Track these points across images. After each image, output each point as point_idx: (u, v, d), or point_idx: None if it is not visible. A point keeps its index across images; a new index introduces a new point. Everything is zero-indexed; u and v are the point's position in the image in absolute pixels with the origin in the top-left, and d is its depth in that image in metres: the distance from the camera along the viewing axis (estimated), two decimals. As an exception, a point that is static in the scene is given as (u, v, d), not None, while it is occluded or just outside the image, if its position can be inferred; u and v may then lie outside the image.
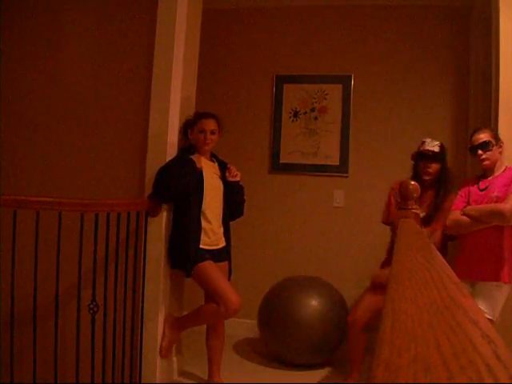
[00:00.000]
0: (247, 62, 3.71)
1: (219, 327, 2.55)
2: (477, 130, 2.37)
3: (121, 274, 2.33)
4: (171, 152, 2.49)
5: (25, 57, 2.75)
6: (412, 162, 2.68)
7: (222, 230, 2.55)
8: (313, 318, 2.84)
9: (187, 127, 2.57)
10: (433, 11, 3.46)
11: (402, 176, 2.64)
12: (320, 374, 2.88)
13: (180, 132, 2.58)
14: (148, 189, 2.46)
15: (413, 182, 1.69)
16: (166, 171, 2.38)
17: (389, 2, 3.52)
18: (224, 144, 2.71)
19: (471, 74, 3.34)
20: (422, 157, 2.57)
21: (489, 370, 0.29)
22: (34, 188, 2.61)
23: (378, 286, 2.52)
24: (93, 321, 2.13)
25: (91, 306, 2.13)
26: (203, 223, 2.44)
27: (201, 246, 2.43)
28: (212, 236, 2.48)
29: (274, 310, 2.92)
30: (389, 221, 2.76)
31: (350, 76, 3.55)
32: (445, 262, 0.76)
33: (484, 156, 2.29)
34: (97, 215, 2.15)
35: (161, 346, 2.48)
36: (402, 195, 1.67)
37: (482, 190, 2.31)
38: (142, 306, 2.44)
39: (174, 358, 2.67)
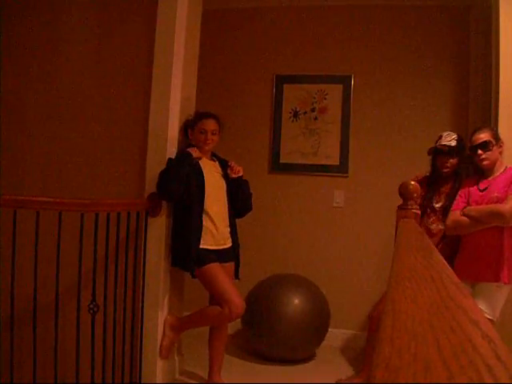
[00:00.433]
0: (247, 62, 3.71)
1: (223, 329, 2.56)
2: (477, 130, 2.36)
3: (121, 274, 2.33)
4: (171, 152, 2.49)
5: (25, 57, 2.75)
6: (429, 157, 2.64)
7: (228, 229, 2.54)
8: (295, 315, 2.92)
9: (188, 127, 2.57)
10: (433, 11, 3.46)
11: (421, 170, 2.66)
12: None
13: (180, 132, 2.58)
14: (148, 189, 2.46)
15: (413, 182, 1.68)
16: (166, 174, 2.38)
17: (389, 2, 3.52)
18: (224, 144, 2.71)
19: (471, 74, 3.34)
20: (438, 152, 2.53)
21: (489, 370, 0.29)
22: (34, 188, 2.61)
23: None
24: (93, 321, 2.13)
25: (91, 305, 2.13)
26: (207, 223, 2.44)
27: (206, 247, 2.42)
28: (217, 236, 2.47)
29: (258, 308, 2.96)
30: None
31: (350, 76, 3.55)
32: (445, 261, 0.76)
33: (484, 156, 2.29)
34: (97, 215, 2.15)
35: (161, 345, 2.48)
36: (402, 195, 1.67)
37: (482, 191, 2.31)
38: (142, 306, 2.44)
39: (175, 358, 2.67)
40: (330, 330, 3.27)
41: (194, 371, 2.79)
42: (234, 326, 3.27)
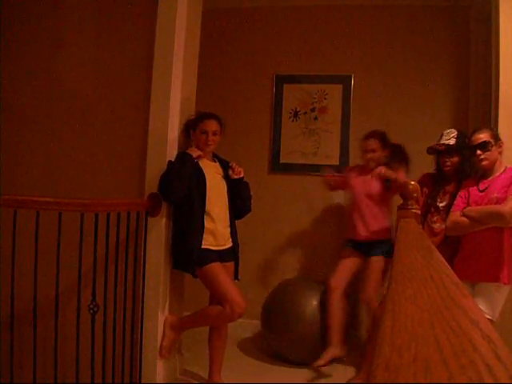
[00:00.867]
0: (247, 62, 3.71)
1: (223, 328, 2.55)
2: (476, 130, 2.36)
3: (121, 274, 2.33)
4: (171, 152, 2.49)
5: (25, 57, 2.75)
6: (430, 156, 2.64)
7: (228, 230, 2.54)
8: (314, 317, 2.91)
9: (189, 127, 2.57)
10: (433, 11, 3.46)
11: (422, 171, 2.66)
12: (324, 370, 2.89)
13: (182, 132, 2.58)
14: (148, 189, 2.46)
15: (413, 182, 1.69)
16: (168, 175, 2.38)
17: (389, 2, 3.52)
18: (224, 144, 2.71)
19: (471, 74, 3.34)
20: (438, 151, 2.52)
21: (489, 370, 0.29)
22: (34, 188, 2.61)
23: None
24: (93, 321, 2.13)
25: (91, 306, 2.13)
26: (209, 224, 2.44)
27: (207, 247, 2.42)
28: (218, 236, 2.47)
29: (277, 311, 2.98)
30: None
31: (350, 76, 3.55)
32: (445, 261, 0.76)
33: (483, 156, 2.29)
34: (97, 215, 2.15)
35: (161, 345, 2.48)
36: (402, 195, 1.67)
37: (481, 191, 2.31)
38: (142, 306, 2.44)
39: (175, 358, 2.67)
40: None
41: (193, 371, 2.79)
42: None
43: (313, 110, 3.60)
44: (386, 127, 3.15)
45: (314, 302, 2.95)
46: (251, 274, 3.50)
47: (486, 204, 2.25)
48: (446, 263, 0.75)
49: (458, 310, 0.44)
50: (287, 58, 3.65)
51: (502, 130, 2.43)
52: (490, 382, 0.27)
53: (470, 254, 2.30)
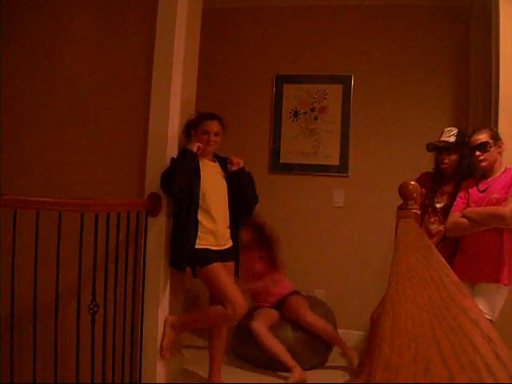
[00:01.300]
0: (247, 61, 3.71)
1: (223, 329, 2.55)
2: (476, 131, 2.35)
3: (121, 274, 2.33)
4: (171, 152, 2.49)
5: (25, 57, 2.75)
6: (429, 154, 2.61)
7: (228, 230, 2.54)
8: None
9: (190, 128, 2.56)
10: (433, 11, 3.46)
11: (421, 170, 2.65)
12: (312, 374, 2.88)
13: (183, 132, 2.58)
14: (148, 189, 2.46)
15: (413, 182, 1.68)
16: (172, 169, 2.38)
17: (389, 2, 3.52)
18: (224, 144, 2.71)
19: (471, 74, 3.34)
20: (437, 148, 2.50)
21: (489, 370, 0.29)
22: (34, 188, 2.61)
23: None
24: (93, 321, 2.13)
25: (91, 306, 2.13)
26: (209, 224, 2.44)
27: (207, 247, 2.42)
28: (219, 236, 2.46)
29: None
30: None
31: (350, 76, 3.55)
32: (445, 261, 0.76)
33: (482, 157, 2.28)
34: (97, 215, 2.15)
35: (161, 345, 2.48)
36: (402, 195, 1.66)
37: (481, 192, 2.30)
38: (142, 306, 2.44)
39: (175, 358, 2.67)
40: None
41: (194, 371, 2.79)
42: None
43: (313, 109, 3.60)
44: (385, 127, 3.16)
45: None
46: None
47: (486, 205, 2.24)
48: (446, 263, 0.75)
49: (457, 310, 0.44)
50: (287, 58, 3.65)
51: (502, 130, 2.42)
52: (490, 381, 0.27)
53: (470, 254, 2.29)
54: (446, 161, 2.47)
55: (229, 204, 2.55)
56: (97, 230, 2.14)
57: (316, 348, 2.95)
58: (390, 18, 3.53)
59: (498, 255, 2.21)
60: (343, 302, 3.48)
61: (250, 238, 2.95)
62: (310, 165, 3.58)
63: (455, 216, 2.31)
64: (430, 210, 2.50)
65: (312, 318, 2.90)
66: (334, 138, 3.56)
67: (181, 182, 2.36)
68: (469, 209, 2.28)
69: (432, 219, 2.49)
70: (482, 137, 2.29)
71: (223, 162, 2.59)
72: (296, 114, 3.63)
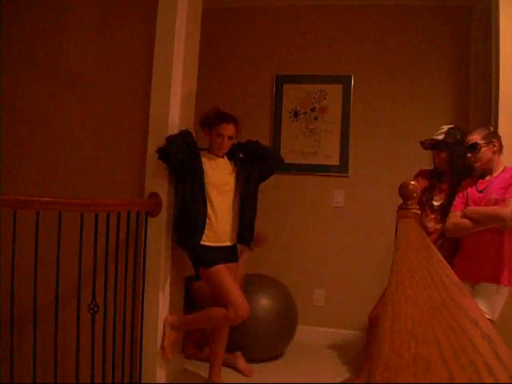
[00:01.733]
0: (247, 61, 3.71)
1: (224, 329, 2.55)
2: (471, 132, 2.36)
3: (121, 274, 2.33)
4: (171, 152, 2.49)
5: (25, 56, 2.75)
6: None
7: (230, 228, 2.51)
8: (264, 315, 2.90)
9: (204, 124, 2.53)
10: (433, 11, 3.46)
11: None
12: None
13: (197, 125, 2.57)
14: (148, 189, 2.46)
15: (413, 182, 1.68)
16: (168, 140, 2.39)
17: (389, 2, 3.52)
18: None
19: (471, 74, 3.34)
20: (431, 146, 2.52)
21: (489, 370, 0.29)
22: (34, 188, 2.61)
23: None
24: (93, 321, 2.13)
25: (91, 306, 2.13)
26: (210, 219, 2.43)
27: (207, 244, 2.42)
28: (219, 233, 2.45)
29: None
30: None
31: (350, 76, 3.55)
32: (445, 261, 0.76)
33: (473, 158, 2.28)
34: (97, 215, 2.15)
35: (162, 346, 2.48)
36: (402, 195, 1.66)
37: (480, 192, 2.29)
38: (142, 306, 2.44)
39: (174, 358, 2.67)
40: (330, 330, 3.27)
41: (194, 371, 2.79)
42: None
43: (313, 109, 3.60)
44: (385, 127, 3.15)
45: (265, 301, 2.92)
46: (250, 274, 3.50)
47: (485, 205, 2.24)
48: (446, 263, 0.75)
49: (457, 310, 0.44)
50: (287, 58, 3.65)
51: (502, 130, 2.42)
52: (490, 381, 0.27)
53: (470, 255, 2.29)
54: (436, 159, 2.49)
55: (238, 204, 2.53)
56: (97, 230, 2.14)
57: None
58: (389, 18, 3.53)
59: (498, 256, 2.21)
60: (343, 302, 3.48)
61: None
62: (310, 165, 3.58)
63: (455, 216, 2.31)
64: (427, 207, 2.50)
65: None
66: (334, 138, 3.56)
67: (171, 144, 2.36)
68: (469, 208, 2.28)
69: (429, 217, 2.49)
70: (473, 138, 2.29)
71: (237, 155, 2.57)
72: (296, 114, 3.63)
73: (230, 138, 2.48)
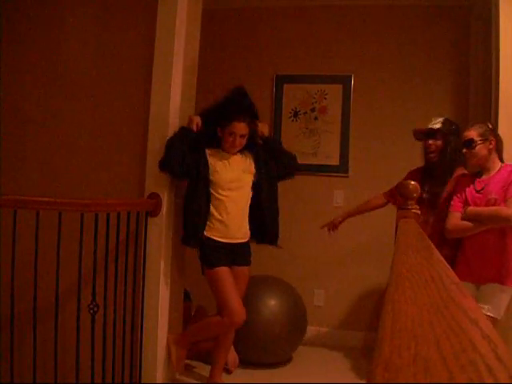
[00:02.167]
0: (247, 61, 3.71)
1: (229, 332, 2.54)
2: (468, 126, 2.33)
3: (121, 274, 2.33)
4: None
5: (25, 57, 2.75)
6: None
7: (243, 223, 2.48)
8: (272, 317, 2.84)
9: (214, 120, 2.49)
10: (433, 11, 3.46)
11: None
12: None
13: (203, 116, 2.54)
14: (148, 189, 2.46)
15: (413, 182, 1.68)
16: (167, 151, 2.38)
17: (389, 2, 3.52)
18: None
19: (471, 74, 3.34)
20: (421, 135, 2.54)
21: (489, 370, 0.29)
22: (34, 188, 2.60)
23: None
24: (93, 321, 2.13)
25: (91, 306, 2.13)
26: (221, 215, 2.41)
27: (214, 237, 2.41)
28: (230, 229, 2.43)
29: None
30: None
31: (350, 76, 3.55)
32: (445, 261, 0.76)
33: (468, 155, 2.26)
34: (97, 215, 2.15)
35: (170, 363, 2.51)
36: (402, 195, 1.66)
37: (478, 192, 2.27)
38: (142, 306, 2.44)
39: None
40: (330, 330, 3.27)
41: (194, 371, 2.79)
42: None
43: (313, 110, 3.60)
44: (385, 127, 3.15)
45: (272, 302, 2.88)
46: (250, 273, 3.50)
47: (485, 206, 2.23)
48: (446, 263, 0.75)
49: (457, 310, 0.44)
50: (287, 58, 3.65)
51: (502, 129, 2.42)
52: (490, 382, 0.27)
53: (472, 255, 2.28)
54: (433, 147, 2.49)
55: (248, 199, 2.50)
56: (97, 230, 2.14)
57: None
58: (389, 18, 3.53)
59: (501, 256, 2.20)
60: (343, 302, 3.48)
61: None
62: (310, 165, 3.58)
63: (455, 217, 2.30)
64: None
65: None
66: (334, 138, 3.56)
67: (171, 154, 2.35)
68: (470, 208, 2.26)
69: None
70: (469, 134, 2.26)
71: (254, 149, 2.55)
72: (296, 114, 3.63)
73: (242, 136, 2.44)
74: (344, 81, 3.56)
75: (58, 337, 2.13)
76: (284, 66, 3.66)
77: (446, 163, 2.48)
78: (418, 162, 2.81)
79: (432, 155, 2.51)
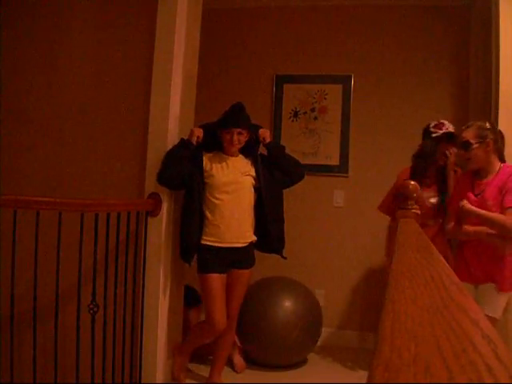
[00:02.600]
0: (247, 61, 3.71)
1: (231, 329, 2.55)
2: (464, 127, 2.27)
3: (121, 274, 2.33)
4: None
5: (25, 57, 2.75)
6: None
7: (241, 227, 2.44)
8: (287, 318, 2.82)
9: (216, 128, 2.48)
10: (433, 11, 3.46)
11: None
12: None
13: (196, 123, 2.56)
14: (148, 189, 2.46)
15: (413, 182, 1.68)
16: (164, 163, 2.39)
17: (389, 2, 3.52)
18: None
19: (471, 74, 3.34)
20: (446, 139, 2.50)
21: (489, 369, 0.29)
22: (34, 188, 2.60)
23: None
24: (93, 321, 2.13)
25: (91, 306, 2.13)
26: (217, 220, 2.39)
27: (208, 243, 2.41)
28: (228, 233, 2.41)
29: (248, 314, 2.84)
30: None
31: (350, 76, 3.55)
32: (445, 261, 0.76)
33: (466, 156, 2.22)
34: (97, 215, 2.15)
35: (172, 372, 2.55)
36: (402, 195, 1.66)
37: (476, 195, 2.24)
38: (142, 306, 2.44)
39: (171, 360, 2.67)
40: (330, 330, 3.27)
41: (193, 371, 2.79)
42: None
43: (313, 110, 3.60)
44: (385, 127, 3.15)
45: (287, 303, 2.86)
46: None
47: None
48: (446, 263, 0.75)
49: (457, 310, 0.44)
50: (287, 58, 3.65)
51: (502, 129, 2.42)
52: (490, 382, 0.27)
53: (470, 256, 2.28)
54: (451, 152, 2.48)
55: (248, 201, 2.48)
56: (97, 230, 2.14)
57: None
58: (389, 18, 3.53)
59: (497, 262, 2.18)
60: (343, 302, 3.48)
61: None
62: (310, 165, 3.57)
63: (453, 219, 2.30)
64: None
65: None
66: (334, 138, 3.56)
67: (168, 170, 2.36)
68: (469, 206, 2.23)
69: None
70: (466, 135, 2.22)
71: (252, 152, 2.53)
72: (296, 114, 3.63)
73: (240, 133, 2.43)
74: (344, 81, 3.56)
75: (58, 337, 2.13)
76: (284, 66, 3.66)
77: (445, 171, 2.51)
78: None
79: (450, 161, 2.50)
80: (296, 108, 3.63)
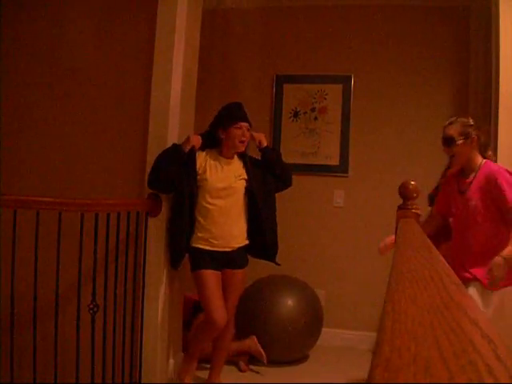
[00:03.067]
0: (247, 61, 3.71)
1: (228, 330, 2.54)
2: (448, 123, 2.22)
3: (121, 274, 2.33)
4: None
5: (25, 57, 2.75)
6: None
7: (232, 231, 2.43)
8: (288, 316, 2.88)
9: (217, 125, 2.46)
10: (433, 11, 3.46)
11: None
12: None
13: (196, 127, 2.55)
14: (148, 189, 2.46)
15: (413, 182, 1.68)
16: (155, 168, 2.36)
17: (389, 2, 3.52)
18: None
19: (471, 74, 3.34)
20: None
21: (489, 369, 0.29)
22: (34, 188, 2.60)
23: None
24: (93, 321, 2.13)
25: (91, 306, 2.13)
26: (209, 224, 2.39)
27: (203, 247, 2.40)
28: (221, 237, 2.40)
29: (250, 311, 2.90)
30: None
31: (350, 76, 3.55)
32: (445, 261, 0.76)
33: (450, 153, 2.17)
34: (97, 215, 2.15)
35: (179, 376, 2.53)
36: (402, 195, 1.66)
37: (461, 193, 2.20)
38: (142, 306, 2.44)
39: (174, 358, 2.67)
40: (330, 330, 3.27)
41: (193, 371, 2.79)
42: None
43: (313, 109, 3.60)
44: (385, 127, 3.15)
45: (289, 302, 2.91)
46: (251, 274, 3.50)
47: (467, 211, 2.15)
48: (446, 263, 0.75)
49: (457, 310, 0.44)
50: (287, 58, 3.65)
51: (502, 129, 2.42)
52: (490, 382, 0.27)
53: (456, 257, 2.24)
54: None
55: (242, 203, 2.47)
56: (97, 230, 2.14)
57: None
58: (389, 18, 3.53)
59: (483, 265, 2.15)
60: (343, 302, 3.47)
61: None
62: (310, 165, 3.58)
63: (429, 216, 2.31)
64: None
65: None
66: (334, 138, 3.56)
67: (156, 174, 2.34)
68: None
69: None
70: (448, 131, 2.18)
71: (248, 159, 2.51)
72: (296, 114, 3.63)
73: (248, 130, 2.44)
74: (344, 81, 3.56)
75: (58, 337, 2.13)
76: (284, 66, 3.66)
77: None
78: (419, 162, 2.82)
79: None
80: (296, 108, 3.63)
